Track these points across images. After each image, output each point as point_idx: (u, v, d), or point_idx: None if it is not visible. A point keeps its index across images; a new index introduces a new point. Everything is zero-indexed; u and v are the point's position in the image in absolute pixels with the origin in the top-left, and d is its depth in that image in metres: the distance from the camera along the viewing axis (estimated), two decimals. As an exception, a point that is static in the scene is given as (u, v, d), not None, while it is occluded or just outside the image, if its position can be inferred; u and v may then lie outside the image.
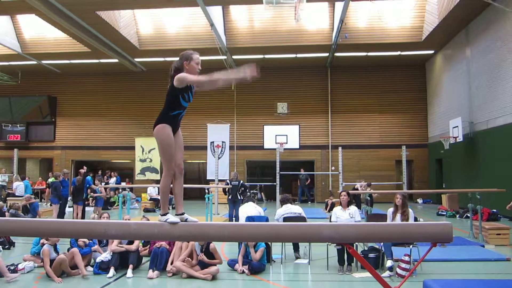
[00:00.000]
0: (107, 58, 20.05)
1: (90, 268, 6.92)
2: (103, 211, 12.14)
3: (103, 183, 16.70)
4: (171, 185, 3.73)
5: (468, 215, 10.93)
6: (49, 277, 6.43)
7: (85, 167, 14.02)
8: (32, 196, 14.90)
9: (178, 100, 3.59)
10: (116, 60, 20.26)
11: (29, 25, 19.22)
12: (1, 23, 18.59)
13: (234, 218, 11.55)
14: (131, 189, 18.36)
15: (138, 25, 18.91)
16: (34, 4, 13.71)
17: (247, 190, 13.67)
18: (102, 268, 6.78)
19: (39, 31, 19.24)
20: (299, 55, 20.11)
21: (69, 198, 13.76)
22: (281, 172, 16.84)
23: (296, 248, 7.99)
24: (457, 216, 14.51)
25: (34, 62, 21.14)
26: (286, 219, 7.80)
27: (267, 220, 8.23)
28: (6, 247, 8.81)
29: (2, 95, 23.47)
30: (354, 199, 13.32)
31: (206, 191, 12.91)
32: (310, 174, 20.94)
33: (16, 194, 16.27)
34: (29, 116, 23.59)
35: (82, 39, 17.51)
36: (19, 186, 16.70)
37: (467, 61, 16.71)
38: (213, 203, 14.51)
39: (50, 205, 17.61)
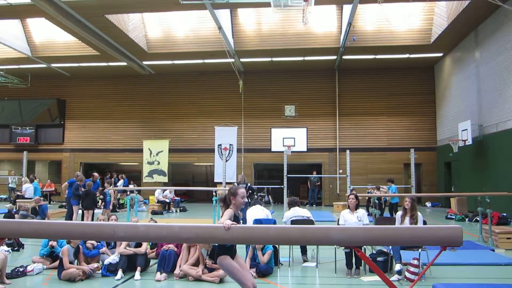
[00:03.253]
0: (116, 61, 20.20)
1: (98, 270, 6.94)
2: (111, 214, 12.17)
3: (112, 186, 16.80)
4: None
5: (478, 219, 10.84)
6: (60, 279, 6.46)
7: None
8: (41, 198, 14.97)
9: None
10: (124, 63, 20.38)
11: (39, 28, 19.42)
12: (11, 26, 18.81)
13: (241, 221, 11.53)
14: (139, 192, 18.43)
15: (147, 28, 19.02)
16: (44, 8, 13.85)
17: (255, 193, 13.67)
18: (110, 270, 6.80)
19: (49, 35, 19.45)
20: (307, 58, 20.09)
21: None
22: (288, 175, 16.80)
23: (303, 251, 7.96)
24: (466, 219, 14.36)
25: (44, 66, 21.35)
26: (294, 222, 7.77)
27: (274, 223, 8.20)
28: (15, 249, 8.86)
29: (12, 98, 23.74)
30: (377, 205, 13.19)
31: (214, 193, 12.92)
32: (318, 177, 20.88)
33: (26, 196, 16.38)
34: (39, 119, 23.84)
35: (91, 43, 17.65)
36: (28, 188, 16.81)
37: (476, 63, 16.60)
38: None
39: (60, 207, 17.77)
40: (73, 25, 15.31)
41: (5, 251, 7.13)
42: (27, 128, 23.66)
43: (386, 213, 13.80)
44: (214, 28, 16.95)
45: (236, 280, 4.08)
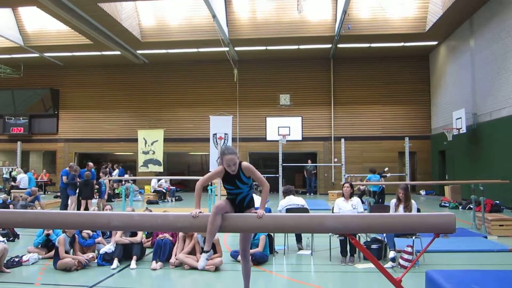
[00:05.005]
0: (109, 50, 20.04)
1: (93, 260, 6.96)
2: (106, 203, 12.17)
3: (107, 176, 16.80)
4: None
5: (471, 206, 10.93)
6: (56, 269, 6.48)
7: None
8: (37, 189, 14.89)
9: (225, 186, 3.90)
10: (118, 52, 20.23)
11: (31, 17, 19.20)
12: (3, 16, 18.57)
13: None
14: (134, 181, 18.39)
15: (140, 17, 18.85)
16: (35, -4, 13.70)
17: (250, 182, 13.67)
18: (106, 259, 6.81)
19: (41, 24, 19.22)
20: (301, 47, 20.02)
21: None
22: (283, 164, 16.84)
23: (298, 239, 8.01)
24: (460, 207, 14.51)
25: (37, 55, 21.15)
26: (288, 210, 7.81)
27: (269, 211, 8.24)
28: (11, 239, 8.85)
29: (5, 88, 23.54)
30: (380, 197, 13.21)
31: (209, 183, 12.94)
32: (314, 165, 20.95)
33: (20, 187, 16.34)
34: (32, 109, 23.67)
35: (84, 32, 17.48)
36: (23, 179, 16.78)
37: (471, 52, 16.61)
38: (216, 195, 14.55)
39: (55, 197, 17.75)
40: (66, 13, 15.15)
41: (1, 241, 7.13)
42: (21, 118, 23.51)
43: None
44: (208, 17, 16.82)
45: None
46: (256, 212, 3.46)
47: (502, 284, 4.15)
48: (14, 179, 17.74)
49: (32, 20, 19.31)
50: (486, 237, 8.87)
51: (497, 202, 13.02)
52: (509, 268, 6.35)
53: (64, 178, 12.30)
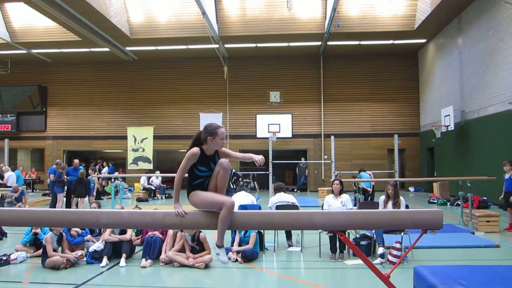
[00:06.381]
0: (98, 47, 19.85)
1: (82, 258, 6.91)
2: (94, 201, 12.12)
3: (96, 173, 16.70)
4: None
5: (459, 202, 11.05)
6: (44, 267, 6.43)
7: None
8: (17, 185, 14.70)
9: (194, 172, 3.63)
10: (107, 49, 20.05)
11: (18, 13, 18.93)
12: (-11, 11, 18.31)
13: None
14: (124, 179, 18.27)
15: (129, 13, 18.69)
16: (22, -8, 13.51)
17: (240, 179, 13.68)
18: (95, 257, 6.78)
19: (29, 20, 18.97)
20: (291, 44, 20.02)
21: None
22: (274, 161, 16.86)
23: (288, 236, 8.04)
24: (448, 204, 14.66)
25: (24, 51, 20.87)
26: (278, 207, 7.83)
27: (259, 208, 8.25)
28: (-2, 237, 8.78)
29: (-8, 85, 23.22)
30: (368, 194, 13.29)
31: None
32: (306, 163, 21.01)
33: (8, 185, 16.13)
34: (20, 106, 23.39)
35: (72, 28, 17.28)
36: (10, 177, 16.55)
37: (459, 50, 16.75)
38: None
39: (44, 195, 17.58)
40: (53, 9, 14.95)
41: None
42: (8, 115, 23.22)
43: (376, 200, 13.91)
44: (198, 13, 16.74)
45: (214, 205, 3.42)
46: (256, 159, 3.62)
47: (489, 279, 4.20)
48: (2, 177, 17.49)
49: (19, 16, 19.03)
50: (473, 233, 8.98)
51: (484, 198, 13.19)
52: (495, 263, 6.43)
53: (52, 176, 12.19)
